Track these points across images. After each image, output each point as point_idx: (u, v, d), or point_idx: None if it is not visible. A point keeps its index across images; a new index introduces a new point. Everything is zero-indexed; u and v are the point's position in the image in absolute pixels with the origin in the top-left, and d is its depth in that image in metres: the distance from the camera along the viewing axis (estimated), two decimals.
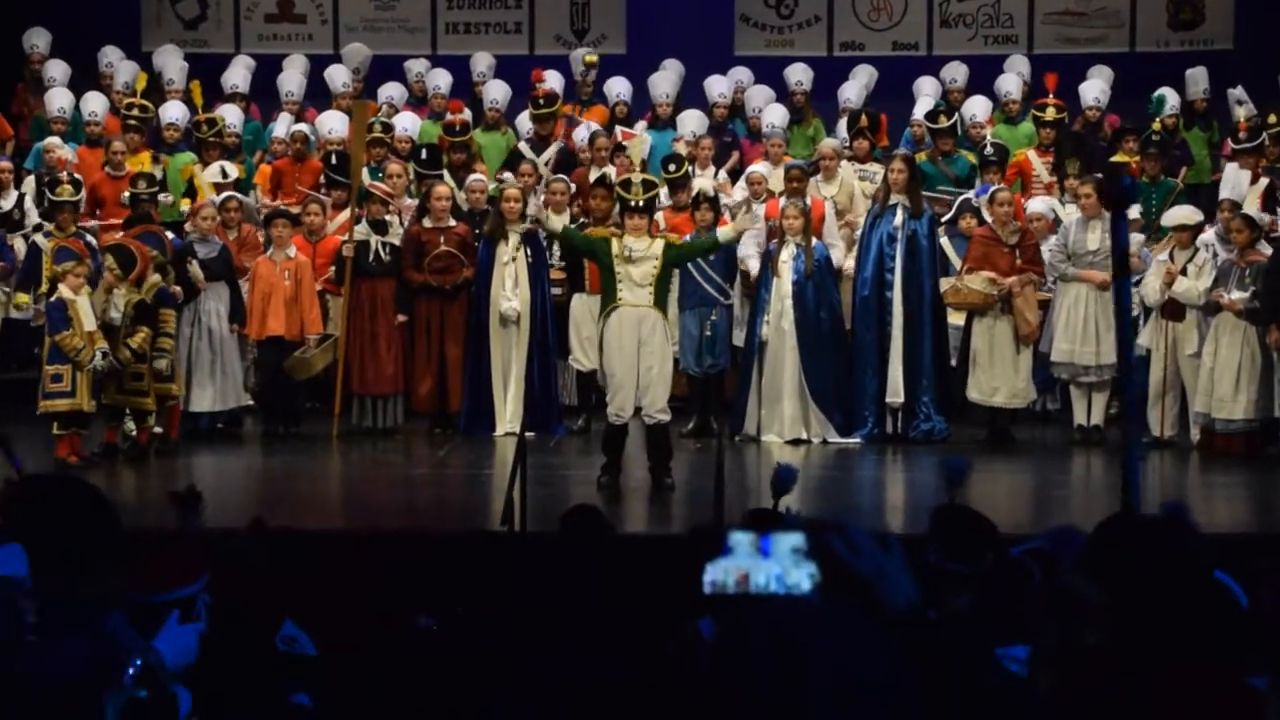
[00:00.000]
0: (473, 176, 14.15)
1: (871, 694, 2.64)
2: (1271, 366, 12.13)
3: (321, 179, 14.72)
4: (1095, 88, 16.11)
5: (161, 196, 13.95)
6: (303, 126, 15.54)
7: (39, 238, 13.64)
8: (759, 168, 14.26)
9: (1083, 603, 4.25)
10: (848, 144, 14.82)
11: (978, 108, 15.91)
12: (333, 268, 13.32)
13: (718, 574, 2.85)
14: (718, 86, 16.49)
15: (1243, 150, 14.75)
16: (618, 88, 16.50)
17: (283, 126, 15.77)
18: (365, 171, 14.23)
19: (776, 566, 2.85)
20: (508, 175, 14.46)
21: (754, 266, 12.85)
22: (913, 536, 6.67)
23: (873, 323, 12.72)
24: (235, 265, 13.11)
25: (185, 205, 14.25)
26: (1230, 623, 4.53)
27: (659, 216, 13.42)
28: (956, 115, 15.47)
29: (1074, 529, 5.75)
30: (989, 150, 14.50)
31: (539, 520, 8.76)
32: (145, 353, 11.74)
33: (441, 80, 16.86)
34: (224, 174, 14.47)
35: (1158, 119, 15.21)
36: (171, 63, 16.76)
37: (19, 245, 14.05)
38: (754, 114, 16.26)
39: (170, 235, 12.75)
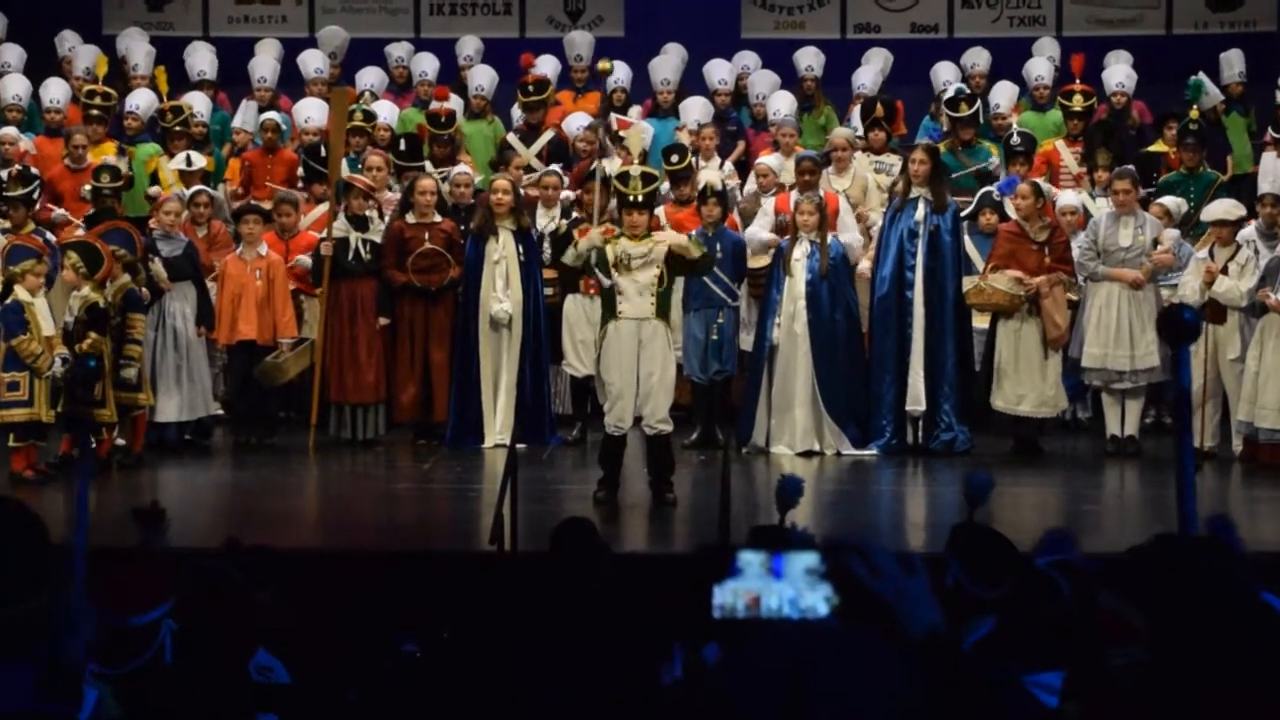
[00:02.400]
0: (458, 169, 14.13)
1: None
2: None
3: (299, 170, 14.70)
4: (1121, 71, 16.10)
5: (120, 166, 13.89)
6: (273, 115, 15.50)
7: None
8: (768, 159, 14.25)
9: (1117, 623, 4.23)
10: (861, 133, 14.80)
11: (1002, 95, 15.90)
12: (301, 257, 13.26)
13: (726, 596, 2.83)
14: (718, 72, 16.47)
15: None
16: (616, 73, 16.45)
17: (245, 114, 15.71)
18: (344, 163, 14.22)
19: (790, 589, 2.84)
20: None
21: (766, 235, 12.90)
22: (935, 556, 6.64)
23: (892, 325, 12.70)
24: (203, 264, 13.09)
25: (151, 196, 14.20)
26: (1276, 649, 4.51)
27: (660, 212, 13.41)
28: (978, 102, 15.46)
29: (1065, 533, 5.76)
30: (1015, 140, 14.49)
31: (531, 539, 8.74)
32: (96, 359, 11.63)
33: (427, 65, 16.85)
34: (189, 162, 14.45)
35: (1195, 106, 15.19)
36: (136, 47, 16.73)
37: None
38: (759, 101, 16.24)
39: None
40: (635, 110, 16.19)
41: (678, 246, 10.82)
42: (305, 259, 13.26)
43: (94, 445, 11.55)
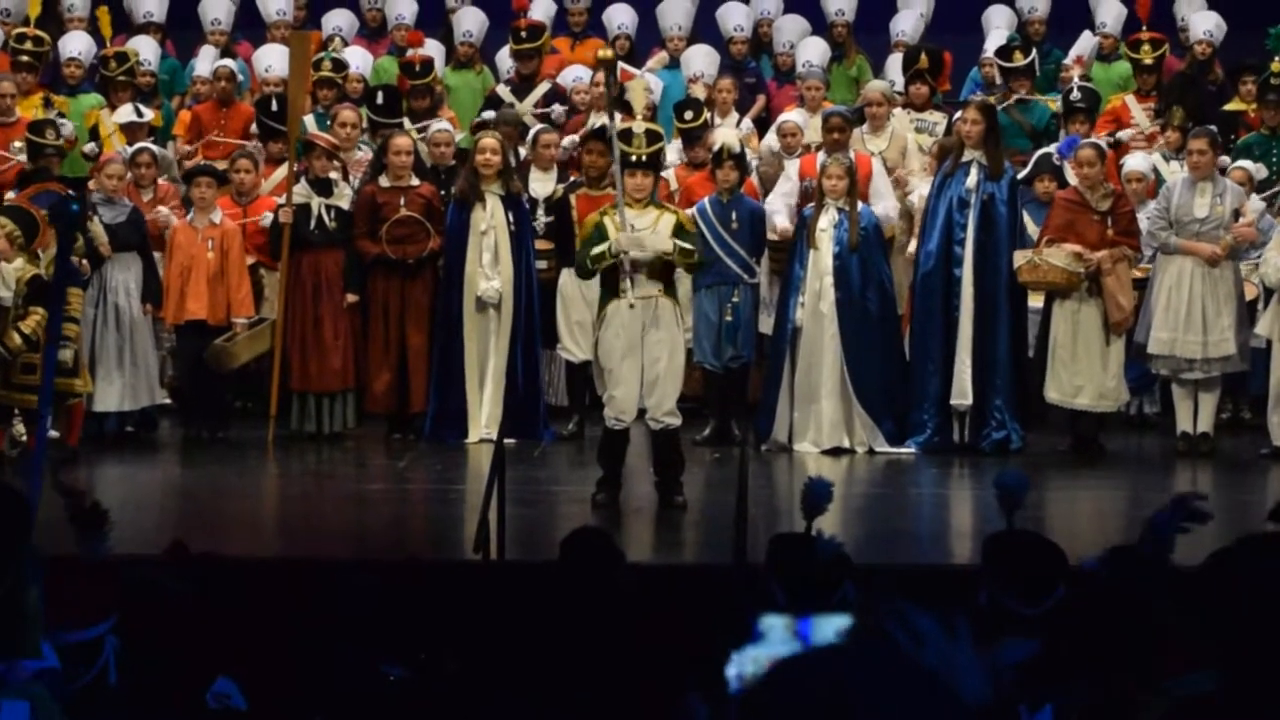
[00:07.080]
0: (438, 125, 14.13)
1: None
2: None
3: (253, 128, 14.69)
4: (1209, 19, 16.01)
5: (63, 127, 13.86)
6: (228, 62, 15.50)
7: None
8: (793, 116, 14.23)
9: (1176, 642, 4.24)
10: (901, 88, 14.78)
11: (1078, 45, 15.89)
12: (268, 212, 13.24)
13: (747, 665, 2.83)
14: (734, 17, 16.44)
15: None
16: (619, 18, 16.46)
17: (206, 62, 15.74)
18: (311, 119, 14.20)
19: None
20: (488, 113, 14.42)
21: (782, 221, 12.84)
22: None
23: (937, 307, 12.68)
24: (149, 233, 13.09)
25: (89, 155, 14.20)
26: None
27: (670, 175, 13.41)
28: (1034, 51, 15.43)
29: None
30: (1075, 95, 14.47)
31: (521, 547, 8.76)
32: (40, 339, 11.69)
33: (404, 9, 16.82)
34: (139, 113, 14.43)
35: (1277, 57, 15.14)
36: None
37: None
38: (785, 50, 16.22)
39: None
40: (659, 58, 16.10)
41: (663, 253, 10.73)
42: (270, 214, 13.24)
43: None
